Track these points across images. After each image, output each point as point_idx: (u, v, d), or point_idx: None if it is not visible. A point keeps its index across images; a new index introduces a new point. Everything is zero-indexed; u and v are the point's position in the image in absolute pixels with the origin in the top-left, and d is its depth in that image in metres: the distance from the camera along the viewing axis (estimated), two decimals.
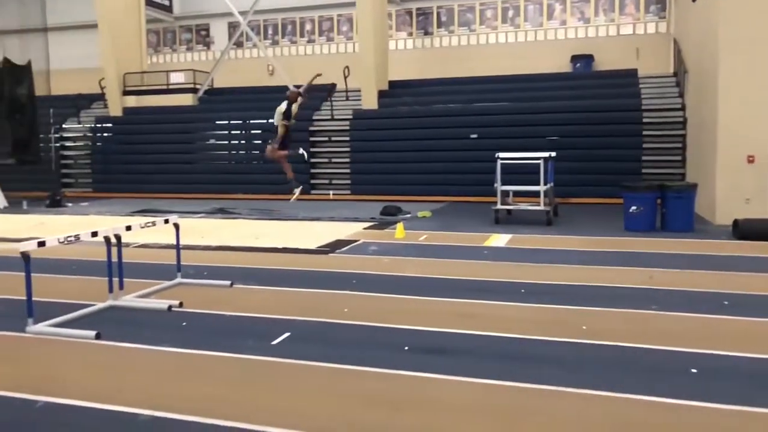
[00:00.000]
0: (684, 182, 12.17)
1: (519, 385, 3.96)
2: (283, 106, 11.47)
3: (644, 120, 15.39)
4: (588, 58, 19.33)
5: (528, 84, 17.63)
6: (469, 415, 3.56)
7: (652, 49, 18.71)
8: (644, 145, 15.31)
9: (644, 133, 15.34)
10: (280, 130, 11.49)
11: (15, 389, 3.92)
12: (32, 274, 5.12)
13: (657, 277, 6.97)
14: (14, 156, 17.36)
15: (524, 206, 12.13)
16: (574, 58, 19.48)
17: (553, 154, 11.92)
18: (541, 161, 11.54)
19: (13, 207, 16.03)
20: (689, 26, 14.93)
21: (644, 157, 15.26)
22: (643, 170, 15.11)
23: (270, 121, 18.25)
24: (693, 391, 3.78)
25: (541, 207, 11.52)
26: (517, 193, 12.44)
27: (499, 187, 11.73)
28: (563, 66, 19.40)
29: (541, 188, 11.44)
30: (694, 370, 4.16)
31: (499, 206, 11.79)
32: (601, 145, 15.38)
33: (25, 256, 5.06)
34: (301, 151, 11.81)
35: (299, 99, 11.34)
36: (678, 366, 4.26)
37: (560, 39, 20.14)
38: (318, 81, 12.12)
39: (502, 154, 11.89)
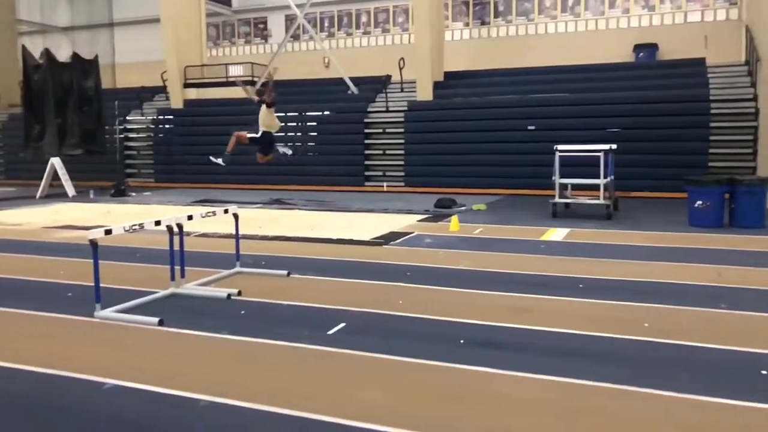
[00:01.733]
0: (755, 176, 11.62)
1: (578, 382, 3.87)
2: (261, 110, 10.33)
3: (712, 111, 14.75)
4: (652, 48, 18.65)
5: (588, 74, 17.16)
6: (528, 410, 3.50)
7: (721, 37, 17.88)
8: (711, 138, 14.68)
9: (712, 124, 14.70)
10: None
11: (84, 371, 4.08)
12: (99, 261, 5.32)
13: (726, 275, 6.67)
14: (82, 147, 18.06)
15: (583, 200, 11.85)
16: (637, 48, 18.83)
17: (614, 146, 11.59)
18: (601, 154, 11.23)
19: (81, 196, 16.71)
20: (763, 12, 14.19)
21: (711, 150, 14.63)
22: (710, 163, 14.50)
23: (326, 113, 18.49)
24: (764, 394, 3.61)
25: (601, 201, 11.22)
26: (575, 186, 12.17)
27: (558, 180, 11.49)
28: (625, 56, 18.78)
29: (600, 181, 11.14)
30: (764, 372, 3.97)
31: (557, 199, 11.55)
32: (665, 137, 14.85)
33: (94, 243, 5.26)
34: (282, 150, 11.51)
35: (265, 102, 10.38)
36: (747, 367, 4.08)
37: (622, 28, 19.49)
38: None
39: (560, 147, 11.65)
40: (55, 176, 17.23)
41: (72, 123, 17.87)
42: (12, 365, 4.22)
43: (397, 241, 9.19)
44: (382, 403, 3.62)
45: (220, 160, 10.99)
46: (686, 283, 6.37)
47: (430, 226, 10.67)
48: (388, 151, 17.80)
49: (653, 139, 14.87)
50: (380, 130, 17.90)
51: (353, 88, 19.10)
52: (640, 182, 14.63)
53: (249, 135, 10.32)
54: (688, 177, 10.76)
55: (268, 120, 10.11)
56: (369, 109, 18.17)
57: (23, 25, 24.47)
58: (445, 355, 4.32)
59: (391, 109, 17.82)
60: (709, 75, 15.86)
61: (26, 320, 5.34)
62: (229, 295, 5.96)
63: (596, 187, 11.27)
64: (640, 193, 14.47)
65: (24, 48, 18.69)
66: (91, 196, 16.60)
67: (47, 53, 17.84)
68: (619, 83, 16.34)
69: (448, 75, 18.55)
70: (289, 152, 11.61)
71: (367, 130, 17.93)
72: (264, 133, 10.06)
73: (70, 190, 16.97)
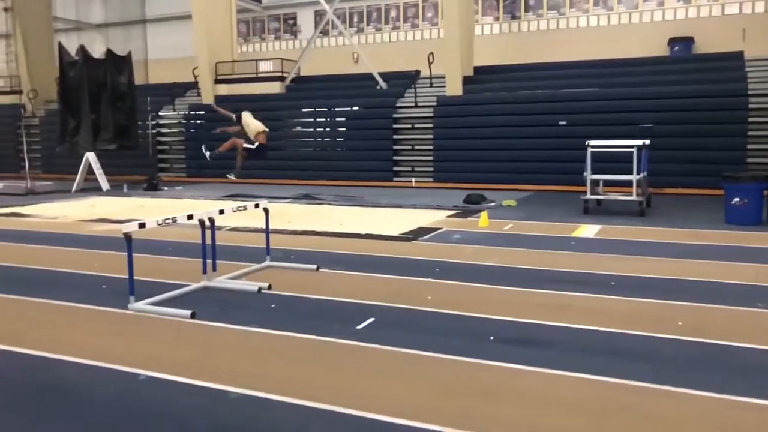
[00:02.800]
0: None
1: (609, 380, 3.82)
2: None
3: (750, 106, 14.38)
4: (687, 41, 18.27)
5: (621, 69, 16.88)
6: (559, 408, 3.46)
7: (759, 30, 17.43)
8: (749, 133, 14.32)
9: (750, 119, 14.35)
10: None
11: (120, 362, 4.17)
12: (133, 254, 5.42)
13: (763, 274, 6.52)
14: (115, 142, 18.40)
15: (615, 196, 11.67)
16: (672, 41, 18.47)
17: (648, 142, 11.38)
18: (634, 149, 11.04)
19: (115, 190, 17.03)
20: None
21: (749, 146, 14.28)
22: (748, 159, 14.16)
23: (354, 108, 18.53)
24: None
25: (634, 197, 11.04)
26: (607, 183, 11.99)
27: (589, 176, 11.34)
28: (660, 50, 18.43)
29: (633, 177, 10.96)
30: None
31: (588, 196, 11.40)
32: (701, 132, 14.54)
33: (128, 236, 5.36)
34: (204, 149, 12.86)
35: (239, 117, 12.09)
36: None
37: (657, 21, 19.15)
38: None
39: (592, 142, 11.48)
40: (90, 170, 17.59)
41: (106, 118, 18.20)
42: (51, 355, 4.32)
43: (426, 236, 9.17)
44: (411, 398, 3.62)
45: (208, 154, 12.64)
46: (722, 282, 6.24)
47: (459, 221, 10.62)
48: (416, 147, 17.77)
49: (689, 135, 14.57)
50: (409, 126, 17.86)
51: (382, 84, 19.10)
52: (675, 178, 14.36)
53: (246, 145, 11.85)
54: (724, 173, 10.52)
55: (253, 126, 11.70)
56: (398, 105, 18.15)
57: (59, 22, 25.00)
58: (474, 352, 4.31)
59: (420, 104, 17.78)
60: (747, 69, 15.47)
61: (63, 311, 5.47)
62: (259, 289, 6.03)
63: (629, 184, 11.09)
64: (674, 189, 14.20)
65: (60, 45, 19.09)
66: (125, 190, 16.90)
67: (82, 50, 18.20)
68: (653, 78, 16.05)
69: (478, 70, 18.42)
70: (207, 154, 12.97)
71: (395, 126, 17.91)
72: (259, 146, 11.89)
73: (105, 184, 17.31)
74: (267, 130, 12.29)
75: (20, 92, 23.13)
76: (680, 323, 4.91)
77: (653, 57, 17.67)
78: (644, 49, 17.91)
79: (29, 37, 22.92)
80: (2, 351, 4.43)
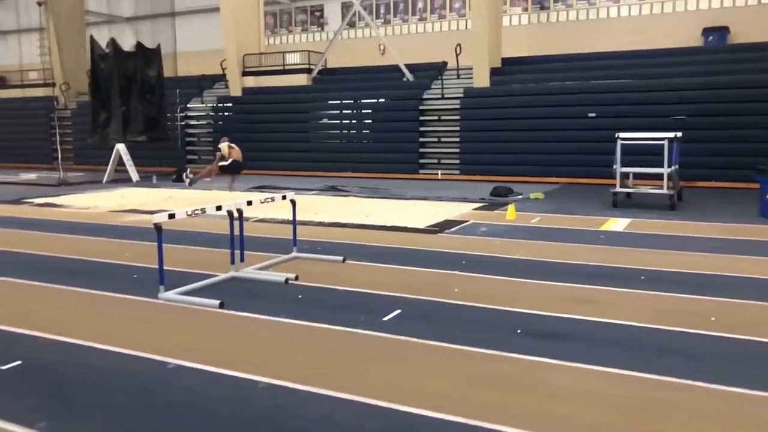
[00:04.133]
0: None
1: (639, 375, 3.77)
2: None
3: None
4: (722, 31, 17.83)
5: (652, 60, 16.56)
6: (588, 403, 3.43)
7: None
8: None
9: None
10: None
11: (150, 351, 4.23)
12: (163, 245, 5.49)
13: None
14: (145, 133, 18.66)
15: (645, 189, 11.48)
16: (706, 31, 18.04)
17: (679, 134, 11.16)
18: (665, 142, 10.85)
19: (144, 181, 17.28)
20: None
21: None
22: None
23: (381, 100, 18.50)
24: None
25: (664, 190, 10.85)
26: (637, 176, 11.80)
27: (619, 169, 11.17)
28: (693, 40, 18.01)
29: (664, 170, 10.77)
30: None
31: (617, 189, 11.23)
32: (736, 124, 14.21)
33: (158, 227, 5.43)
34: (154, 180, 15.09)
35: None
36: None
37: (690, 11, 18.72)
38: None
39: (622, 134, 11.31)
40: (120, 162, 17.87)
41: (136, 110, 18.47)
42: (85, 343, 4.41)
43: (453, 229, 9.13)
44: (438, 390, 3.61)
45: (188, 182, 15.02)
46: (756, 277, 6.11)
47: (486, 214, 10.55)
48: (443, 139, 17.69)
49: (722, 127, 14.26)
50: (435, 118, 17.78)
51: (409, 75, 19.02)
52: (708, 171, 14.08)
53: (220, 164, 13.70)
54: (760, 166, 10.27)
55: (225, 148, 13.71)
56: (424, 96, 18.07)
57: (91, 16, 25.40)
58: (501, 345, 4.28)
59: (446, 96, 17.67)
60: None
61: (96, 300, 5.57)
62: (287, 280, 6.06)
63: (659, 177, 10.90)
64: (707, 182, 13.92)
65: (92, 38, 19.40)
66: (154, 181, 17.14)
67: (113, 43, 18.47)
68: (687, 68, 15.71)
69: (506, 61, 18.24)
70: (187, 182, 15.15)
71: (422, 118, 17.85)
72: (233, 161, 13.69)
73: (134, 176, 17.58)
74: (236, 147, 13.97)
75: (53, 85, 23.58)
76: (713, 319, 4.81)
77: (686, 47, 17.29)
78: (677, 39, 17.53)
79: (62, 31, 23.33)
80: (37, 338, 4.53)
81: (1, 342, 4.48)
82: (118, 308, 5.33)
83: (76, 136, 22.67)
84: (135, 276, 6.40)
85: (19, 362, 4.05)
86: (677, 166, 11.21)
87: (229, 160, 13.63)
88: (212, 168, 14.19)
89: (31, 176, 19.54)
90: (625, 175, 11.50)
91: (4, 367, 3.97)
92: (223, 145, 13.82)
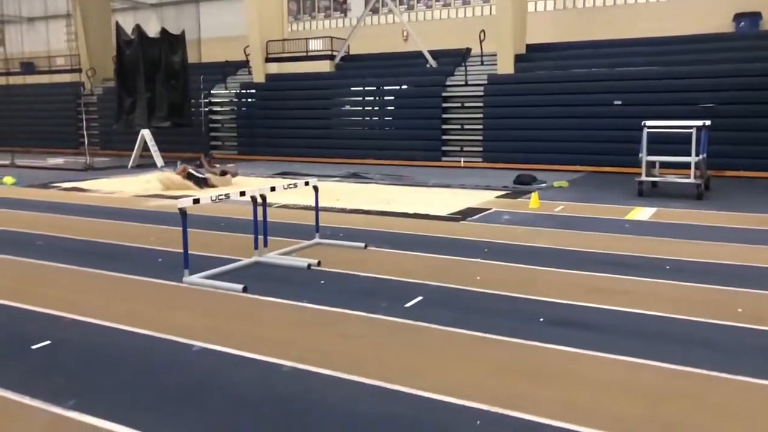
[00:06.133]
0: None
1: (664, 365, 3.74)
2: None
3: None
4: (754, 16, 17.38)
5: (680, 46, 16.22)
6: (611, 392, 3.41)
7: None
8: None
9: None
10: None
11: (175, 333, 4.30)
12: (188, 229, 5.55)
13: None
14: (169, 119, 18.80)
15: (672, 178, 11.30)
16: (738, 17, 17.60)
17: (708, 122, 10.95)
18: (693, 130, 10.65)
19: (169, 167, 17.42)
20: None
21: None
22: None
23: (403, 87, 18.41)
24: None
25: (692, 179, 10.67)
26: (663, 164, 11.61)
27: (645, 158, 11.00)
28: (723, 26, 17.60)
29: (692, 159, 10.58)
30: None
31: (643, 177, 11.07)
32: (766, 113, 13.88)
33: (183, 212, 5.49)
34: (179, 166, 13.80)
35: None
36: None
37: None
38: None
39: (649, 122, 11.13)
40: (145, 147, 18.05)
41: (160, 96, 18.60)
42: (111, 324, 4.49)
43: (475, 216, 9.09)
44: (459, 377, 3.62)
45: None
46: None
47: (509, 202, 10.49)
48: (466, 126, 17.55)
49: (753, 115, 13.94)
50: (458, 105, 17.64)
51: (432, 62, 18.89)
52: (737, 161, 13.80)
53: (195, 172, 12.89)
54: None
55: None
56: (447, 83, 17.93)
57: (116, 2, 25.59)
58: (523, 333, 4.27)
59: (470, 82, 17.52)
60: None
61: (122, 283, 5.66)
62: (309, 265, 6.10)
63: (686, 166, 10.72)
64: (736, 172, 13.66)
65: (117, 24, 19.54)
66: (179, 166, 17.26)
67: (138, 29, 18.58)
68: (716, 55, 15.35)
69: (531, 47, 18.00)
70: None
71: (445, 105, 17.71)
72: (206, 183, 12.78)
73: (159, 161, 17.74)
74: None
75: (80, 71, 23.85)
76: (740, 310, 4.74)
77: (717, 33, 16.89)
78: (707, 24, 17.14)
79: (88, 17, 23.55)
80: (65, 318, 4.63)
81: (31, 322, 4.59)
82: (143, 291, 5.41)
83: (101, 122, 22.93)
84: (160, 260, 6.49)
85: (48, 342, 4.14)
86: (705, 155, 11.01)
87: (205, 176, 12.97)
88: (186, 169, 13.32)
89: (59, 161, 19.84)
90: (651, 164, 11.32)
91: (34, 347, 4.07)
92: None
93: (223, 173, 13.38)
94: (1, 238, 7.66)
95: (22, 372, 3.70)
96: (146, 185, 12.75)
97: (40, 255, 6.66)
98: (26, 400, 3.31)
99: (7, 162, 17.79)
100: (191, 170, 12.97)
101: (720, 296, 5.15)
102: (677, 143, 10.96)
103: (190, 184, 12.47)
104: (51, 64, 26.09)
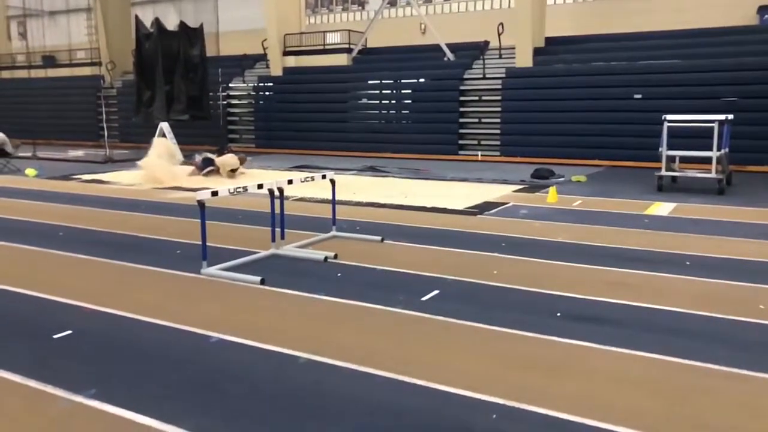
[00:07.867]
0: None
1: (683, 361, 3.70)
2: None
3: None
4: None
5: (702, 39, 15.98)
6: (629, 387, 3.38)
7: None
8: None
9: None
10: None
11: (192, 324, 4.34)
12: (206, 221, 5.59)
13: None
14: (188, 112, 18.92)
15: (692, 173, 11.16)
16: (762, 9, 17.29)
17: (730, 116, 10.79)
18: (715, 124, 10.50)
19: (187, 159, 17.54)
20: None
21: None
22: None
23: (421, 80, 18.35)
24: None
25: (713, 174, 10.53)
26: (683, 159, 11.47)
27: (665, 152, 10.87)
28: (748, 18, 17.30)
29: (713, 154, 10.44)
30: None
31: (663, 172, 10.94)
32: None
33: (201, 204, 5.53)
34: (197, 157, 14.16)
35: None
36: None
37: None
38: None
39: (669, 117, 10.99)
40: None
41: (179, 89, 18.71)
42: (131, 315, 4.55)
43: (492, 211, 9.06)
44: (476, 370, 3.61)
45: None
46: None
47: (527, 196, 10.43)
48: (483, 120, 17.47)
49: None
50: (476, 98, 17.56)
51: (449, 55, 18.80)
52: (760, 156, 13.60)
53: (204, 166, 13.60)
54: None
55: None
56: (465, 76, 17.85)
57: None
58: (540, 327, 4.25)
59: (488, 76, 17.42)
60: None
61: (142, 274, 5.72)
62: (326, 258, 6.12)
63: (707, 160, 10.58)
64: (758, 167, 13.45)
65: (136, 18, 19.66)
66: (197, 158, 17.37)
67: (157, 22, 18.69)
68: (739, 48, 15.11)
69: (550, 40, 17.84)
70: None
71: (462, 98, 17.64)
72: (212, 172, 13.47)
73: (179, 154, 17.85)
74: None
75: (99, 64, 24.07)
76: (762, 307, 4.68)
77: (740, 26, 16.61)
78: (730, 17, 16.86)
79: (108, 11, 23.76)
80: (85, 309, 4.69)
81: (53, 312, 4.65)
82: (162, 282, 5.46)
83: (121, 114, 23.14)
84: (178, 251, 6.55)
85: (69, 332, 4.20)
86: (727, 150, 10.86)
87: (208, 169, 13.59)
88: (196, 163, 13.98)
89: (79, 153, 20.06)
90: (671, 159, 11.19)
91: (56, 336, 4.13)
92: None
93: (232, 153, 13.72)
94: (24, 229, 7.78)
95: (44, 361, 3.76)
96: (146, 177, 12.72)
97: (61, 246, 6.75)
98: (48, 389, 3.37)
99: (29, 154, 18.02)
100: (205, 157, 13.64)
101: (741, 292, 5.09)
102: (698, 137, 10.82)
103: (171, 176, 12.69)
104: (72, 58, 26.37)
